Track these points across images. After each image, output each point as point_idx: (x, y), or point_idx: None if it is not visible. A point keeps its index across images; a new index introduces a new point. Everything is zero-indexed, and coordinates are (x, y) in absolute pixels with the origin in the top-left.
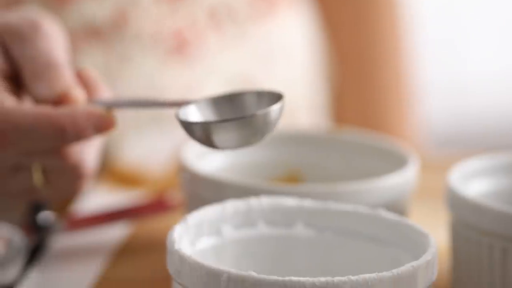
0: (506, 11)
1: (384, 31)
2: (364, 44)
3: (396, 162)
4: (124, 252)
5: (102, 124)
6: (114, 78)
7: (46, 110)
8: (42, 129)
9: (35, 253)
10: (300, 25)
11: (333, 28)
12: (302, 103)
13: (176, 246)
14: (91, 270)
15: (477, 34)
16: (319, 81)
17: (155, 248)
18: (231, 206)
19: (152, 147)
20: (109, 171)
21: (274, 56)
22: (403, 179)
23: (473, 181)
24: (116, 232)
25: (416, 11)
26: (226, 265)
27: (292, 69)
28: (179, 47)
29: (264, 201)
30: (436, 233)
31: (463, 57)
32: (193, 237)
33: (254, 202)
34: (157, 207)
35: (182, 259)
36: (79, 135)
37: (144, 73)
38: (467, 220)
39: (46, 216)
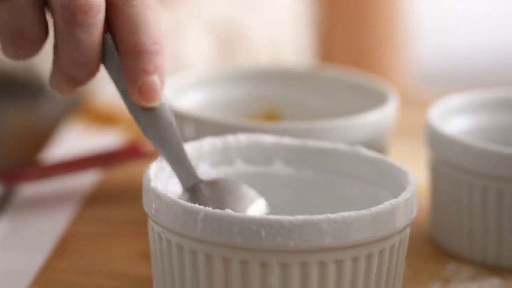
0: None
1: None
2: None
3: (377, 99)
4: (98, 196)
5: None
6: None
7: None
8: None
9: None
10: None
11: None
12: (289, 45)
13: (152, 184)
14: (62, 215)
15: None
16: (307, 21)
17: (129, 193)
18: (208, 143)
19: None
20: (85, 108)
21: None
22: (382, 116)
23: (453, 118)
24: (88, 179)
25: None
26: (204, 203)
27: (279, 11)
28: None
29: (241, 139)
30: (416, 171)
31: None
32: (170, 176)
33: (232, 139)
34: (131, 153)
35: (158, 198)
36: None
37: None
38: (447, 158)
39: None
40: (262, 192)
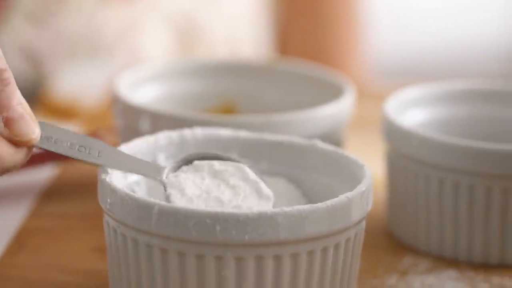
0: None
1: None
2: None
3: (333, 92)
4: (54, 191)
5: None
6: (53, 15)
7: None
8: None
9: None
10: None
11: None
12: (248, 38)
13: (108, 178)
14: (19, 210)
15: None
16: (265, 15)
17: (86, 187)
18: (164, 137)
19: (87, 79)
20: (43, 102)
21: None
22: (338, 110)
23: (410, 111)
24: (44, 174)
25: None
26: (159, 197)
27: (237, 4)
28: None
29: (198, 132)
30: (373, 163)
31: None
32: None
33: (188, 133)
34: None
35: (113, 192)
36: None
37: (83, 11)
38: (403, 150)
39: None
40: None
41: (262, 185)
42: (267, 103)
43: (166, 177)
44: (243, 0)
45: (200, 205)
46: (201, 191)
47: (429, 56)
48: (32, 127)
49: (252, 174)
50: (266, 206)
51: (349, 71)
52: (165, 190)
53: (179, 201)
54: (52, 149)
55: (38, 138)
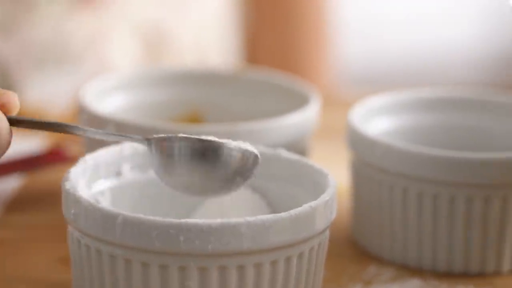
0: None
1: None
2: None
3: (299, 101)
4: (19, 202)
5: None
6: (21, 24)
7: None
8: None
9: None
10: None
11: None
12: (216, 47)
13: (72, 189)
14: None
15: None
16: (234, 23)
17: (51, 198)
18: (129, 147)
19: (54, 88)
20: None
21: (186, 1)
22: (304, 118)
23: (375, 119)
24: (9, 184)
25: None
26: (124, 207)
27: (205, 12)
28: None
29: None
30: (338, 172)
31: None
32: (90, 179)
33: None
34: (53, 157)
35: (77, 202)
36: None
37: (50, 19)
38: (368, 159)
39: None
40: (182, 195)
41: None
42: (234, 112)
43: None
44: (211, 8)
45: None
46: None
47: (398, 64)
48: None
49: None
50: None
51: (317, 79)
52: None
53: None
54: None
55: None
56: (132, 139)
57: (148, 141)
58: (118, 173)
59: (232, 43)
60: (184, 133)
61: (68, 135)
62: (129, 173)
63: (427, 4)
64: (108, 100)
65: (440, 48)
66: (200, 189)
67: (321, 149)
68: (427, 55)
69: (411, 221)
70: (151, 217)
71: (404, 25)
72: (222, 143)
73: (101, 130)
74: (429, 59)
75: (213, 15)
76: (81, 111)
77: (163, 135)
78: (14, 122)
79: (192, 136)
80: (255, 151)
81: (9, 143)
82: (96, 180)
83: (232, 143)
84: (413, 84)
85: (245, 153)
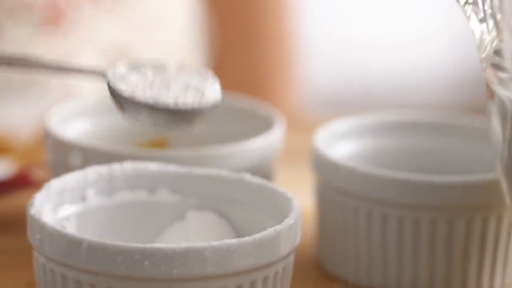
0: None
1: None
2: (245, 7)
3: (263, 125)
4: None
5: None
6: None
7: None
8: None
9: None
10: None
11: None
12: None
13: (36, 214)
14: None
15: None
16: (200, 46)
17: (18, 223)
18: (93, 172)
19: (19, 114)
20: None
21: (151, 23)
22: (268, 142)
23: (339, 143)
24: None
25: None
26: (89, 233)
27: (170, 35)
28: (54, 17)
29: (127, 167)
30: (303, 196)
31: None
32: (55, 205)
33: (117, 168)
34: (20, 182)
35: (42, 228)
36: None
37: (17, 43)
38: (332, 182)
39: None
40: (147, 220)
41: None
42: (198, 136)
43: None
44: (177, 31)
45: (145, 92)
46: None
47: (364, 87)
48: None
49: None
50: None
51: (283, 102)
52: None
53: (124, 90)
54: None
55: None
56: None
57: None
58: (83, 198)
59: (197, 67)
60: (148, 158)
61: (34, 161)
62: (94, 198)
63: (392, 27)
64: (73, 125)
65: (405, 71)
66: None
67: (286, 173)
68: (393, 78)
69: (375, 244)
70: (115, 242)
71: (370, 47)
72: None
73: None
74: (395, 82)
75: (179, 38)
76: (46, 137)
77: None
78: None
79: None
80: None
81: None
82: (61, 205)
83: None
84: (378, 107)
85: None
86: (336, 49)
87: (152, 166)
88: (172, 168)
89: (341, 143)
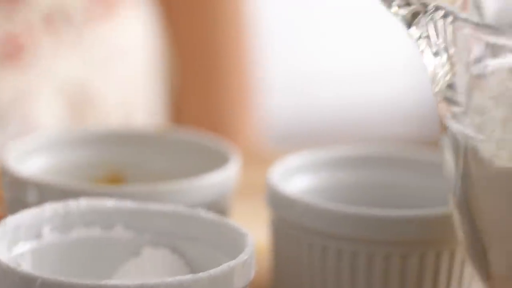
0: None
1: (226, 31)
2: (205, 43)
3: (219, 160)
4: None
5: None
6: None
7: None
8: None
9: None
10: (140, 25)
11: (174, 27)
12: (141, 105)
13: None
14: None
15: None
16: (160, 82)
17: None
18: (49, 208)
19: None
20: None
21: (111, 59)
22: (223, 178)
23: (295, 177)
24: None
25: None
26: (45, 270)
27: (130, 71)
28: (13, 53)
29: (82, 203)
30: (258, 231)
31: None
32: (11, 242)
33: (73, 204)
34: None
35: None
36: None
37: None
38: (287, 217)
39: None
40: (102, 257)
41: None
42: (155, 172)
43: None
44: (137, 68)
45: None
46: None
47: (324, 120)
48: None
49: None
50: None
51: (241, 137)
52: None
53: None
54: None
55: None
56: None
57: None
58: (39, 235)
59: (157, 103)
60: (104, 194)
61: None
62: (49, 235)
63: (349, 60)
64: (30, 161)
65: (363, 104)
66: None
67: (242, 208)
68: (350, 110)
69: (330, 279)
70: (70, 279)
71: (327, 81)
72: None
73: None
74: (353, 115)
75: (139, 75)
76: (3, 173)
77: None
78: None
79: None
80: None
81: None
82: (16, 242)
83: None
84: (336, 140)
85: None
86: (295, 82)
87: (108, 203)
88: (128, 204)
89: (297, 177)
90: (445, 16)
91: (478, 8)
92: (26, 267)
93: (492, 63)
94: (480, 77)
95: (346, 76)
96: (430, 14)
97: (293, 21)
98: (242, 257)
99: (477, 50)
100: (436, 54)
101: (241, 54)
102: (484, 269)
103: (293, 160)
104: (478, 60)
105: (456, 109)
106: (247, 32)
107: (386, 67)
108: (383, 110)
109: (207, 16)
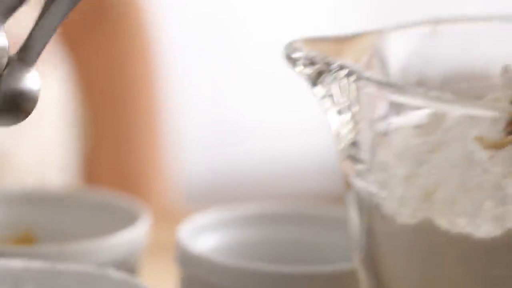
0: (268, 67)
1: (138, 90)
2: (117, 102)
3: (129, 219)
4: None
5: None
6: None
7: None
8: None
9: None
10: (55, 85)
11: (86, 87)
12: (56, 165)
13: None
14: None
15: (237, 87)
16: (73, 141)
17: None
18: None
19: None
20: None
21: (27, 125)
22: (132, 237)
23: (204, 235)
24: None
25: (174, 64)
26: None
27: (46, 131)
28: None
29: None
30: None
31: (224, 109)
32: None
33: None
34: None
35: None
36: None
37: None
38: (195, 275)
39: None
40: None
41: None
42: (66, 231)
43: None
44: (52, 128)
45: None
46: None
47: (235, 177)
48: None
49: None
50: None
51: (153, 195)
52: None
53: None
54: None
55: None
56: None
57: None
58: None
59: (71, 163)
60: (12, 255)
61: None
62: None
63: (262, 116)
64: None
65: (276, 160)
66: None
67: (151, 267)
68: (263, 166)
69: None
70: None
71: (239, 138)
72: None
73: None
74: (265, 171)
75: (54, 134)
76: None
77: None
78: None
79: None
80: None
81: None
82: None
83: None
84: (249, 196)
85: None
86: (210, 137)
87: (17, 263)
88: (36, 264)
89: (206, 235)
90: (348, 75)
91: (383, 66)
92: None
93: (396, 121)
94: (384, 134)
95: (259, 131)
96: (334, 73)
97: (208, 75)
98: None
99: (381, 107)
100: (340, 112)
101: (153, 112)
102: None
103: (202, 218)
104: (382, 117)
105: (359, 166)
106: (160, 90)
107: (300, 123)
108: (298, 165)
109: (118, 75)
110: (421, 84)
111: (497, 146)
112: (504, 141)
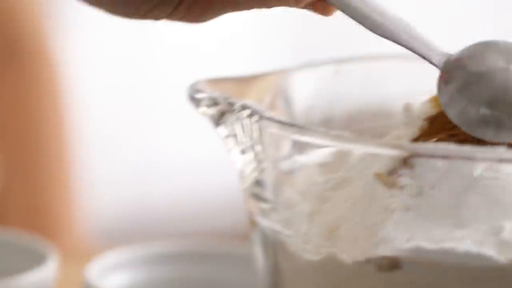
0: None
1: (48, 129)
2: (27, 141)
3: (37, 259)
4: None
5: None
6: None
7: None
8: None
9: None
10: None
11: None
12: None
13: None
14: None
15: (152, 125)
16: None
17: None
18: None
19: None
20: None
21: None
22: (40, 277)
23: (111, 275)
24: None
25: (87, 100)
26: None
27: None
28: None
29: None
30: None
31: (137, 147)
32: None
33: None
34: None
35: None
36: None
37: None
38: None
39: None
40: None
41: None
42: None
43: None
44: None
45: None
46: None
47: (146, 215)
48: None
49: None
50: None
51: (63, 235)
52: None
53: None
54: None
55: None
56: None
57: None
58: None
59: None
60: None
61: None
62: None
63: (174, 152)
64: None
65: (190, 197)
66: None
67: None
68: (174, 204)
69: None
70: None
71: (156, 175)
72: None
73: None
74: (176, 208)
75: None
76: None
77: None
78: None
79: None
80: None
81: None
82: None
83: None
84: (161, 234)
85: None
86: (121, 178)
87: None
88: None
89: (114, 274)
90: (251, 115)
91: (288, 106)
92: None
93: (300, 159)
94: (288, 172)
95: (175, 168)
96: (237, 113)
97: (122, 114)
98: None
99: (284, 147)
100: (243, 151)
101: (63, 150)
102: None
103: (111, 257)
104: (286, 156)
105: (264, 205)
106: (71, 129)
107: (211, 161)
108: (209, 202)
109: (27, 114)
110: (327, 123)
111: (389, 184)
112: (393, 179)
